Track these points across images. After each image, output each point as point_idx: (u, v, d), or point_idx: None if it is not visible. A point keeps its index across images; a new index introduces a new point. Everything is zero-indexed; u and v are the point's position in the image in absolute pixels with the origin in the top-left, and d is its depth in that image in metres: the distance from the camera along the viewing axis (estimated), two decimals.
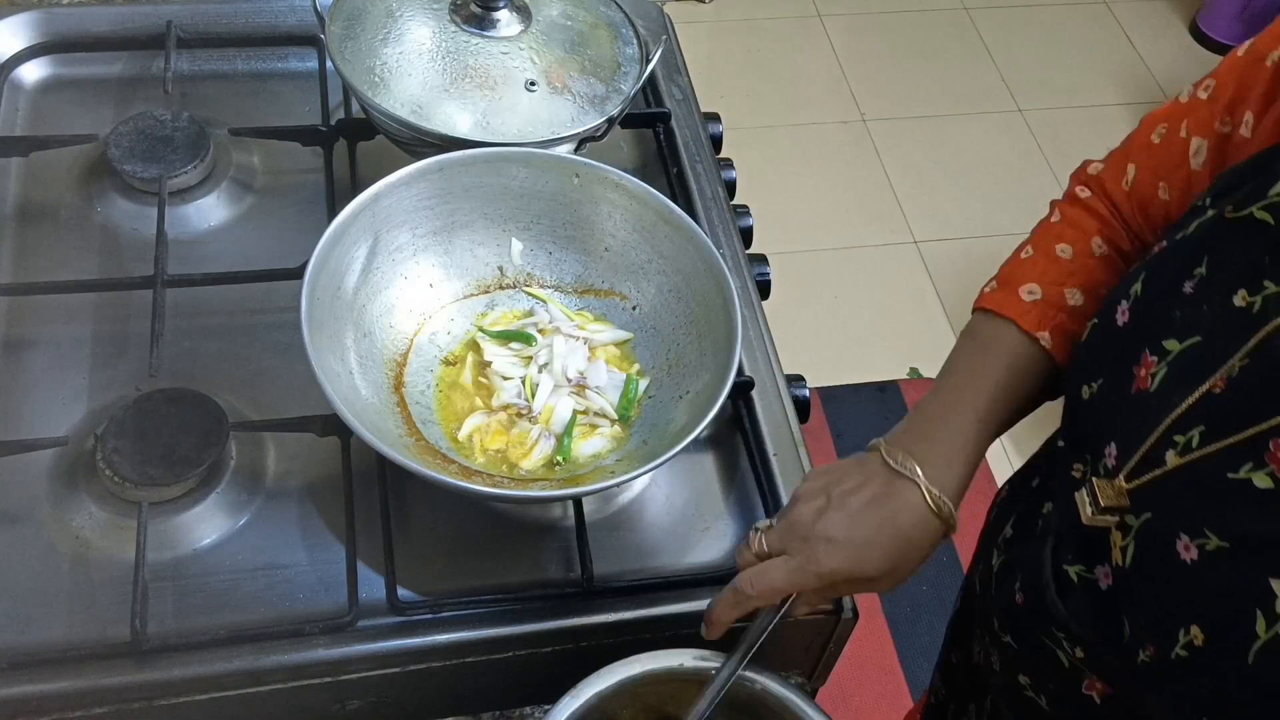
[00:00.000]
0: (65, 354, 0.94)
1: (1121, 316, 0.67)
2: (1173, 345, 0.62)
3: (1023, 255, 0.80)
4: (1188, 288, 0.62)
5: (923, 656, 1.91)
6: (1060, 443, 0.73)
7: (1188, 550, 0.57)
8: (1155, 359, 0.63)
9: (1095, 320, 0.70)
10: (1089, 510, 0.64)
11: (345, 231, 0.89)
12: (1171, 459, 0.59)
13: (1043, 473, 0.80)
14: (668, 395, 0.92)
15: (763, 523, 0.77)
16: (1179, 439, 0.59)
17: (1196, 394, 0.59)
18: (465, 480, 0.83)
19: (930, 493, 0.72)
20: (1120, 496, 0.63)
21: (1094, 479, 0.65)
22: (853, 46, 2.91)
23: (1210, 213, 0.63)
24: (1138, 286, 0.67)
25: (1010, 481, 0.89)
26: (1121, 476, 0.63)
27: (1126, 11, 3.11)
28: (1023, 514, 0.78)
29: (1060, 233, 0.79)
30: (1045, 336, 0.75)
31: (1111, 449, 0.65)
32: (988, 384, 0.75)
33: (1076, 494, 0.66)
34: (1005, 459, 2.16)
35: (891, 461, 0.73)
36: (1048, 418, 0.80)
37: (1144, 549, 0.60)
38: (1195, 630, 0.56)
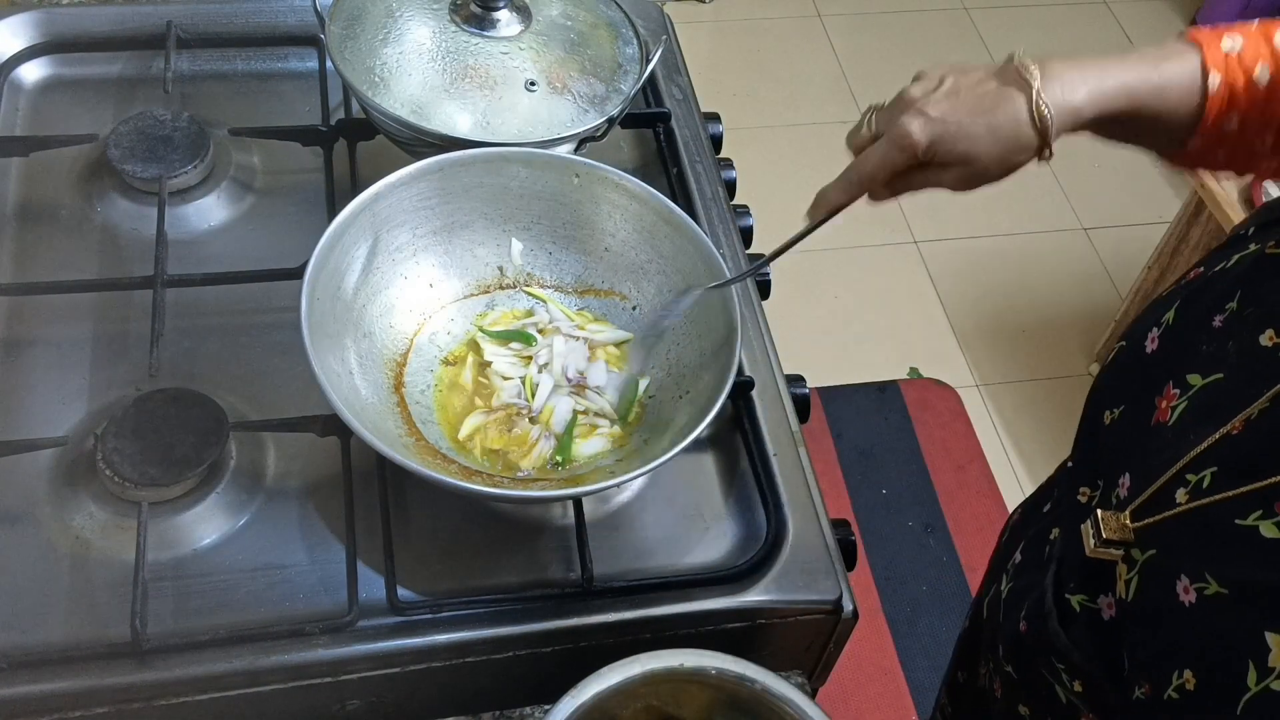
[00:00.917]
0: (65, 354, 0.94)
1: (1151, 344, 0.66)
2: (1195, 380, 0.61)
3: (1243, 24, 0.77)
4: (1217, 321, 0.61)
5: (923, 657, 1.92)
6: (1069, 464, 0.72)
7: (1187, 593, 0.56)
8: (1178, 392, 0.62)
9: (1124, 343, 0.69)
10: (1092, 542, 0.63)
11: (345, 232, 0.89)
12: (1182, 498, 0.58)
13: (1053, 498, 0.79)
14: (668, 395, 0.92)
15: (878, 103, 0.77)
16: (1191, 478, 0.58)
17: (1215, 436, 0.57)
18: (465, 480, 0.83)
19: (1040, 99, 0.70)
20: (1124, 531, 0.62)
21: (1099, 510, 0.64)
22: (853, 46, 2.91)
23: (1253, 246, 0.62)
24: (1170, 315, 0.66)
25: (1022, 506, 0.88)
26: (1129, 512, 0.62)
27: (1126, 11, 3.11)
28: (1032, 539, 0.78)
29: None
30: (1215, 79, 0.72)
31: (1125, 480, 0.64)
32: (1145, 70, 0.73)
33: (1082, 525, 0.65)
34: (1017, 485, 2.16)
35: (1019, 65, 0.72)
36: (1062, 445, 0.79)
37: (1146, 585, 0.60)
38: (1188, 674, 0.55)
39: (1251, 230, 0.64)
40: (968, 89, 0.72)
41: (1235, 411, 0.57)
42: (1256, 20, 0.76)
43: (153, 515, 0.84)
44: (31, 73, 1.13)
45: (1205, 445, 0.58)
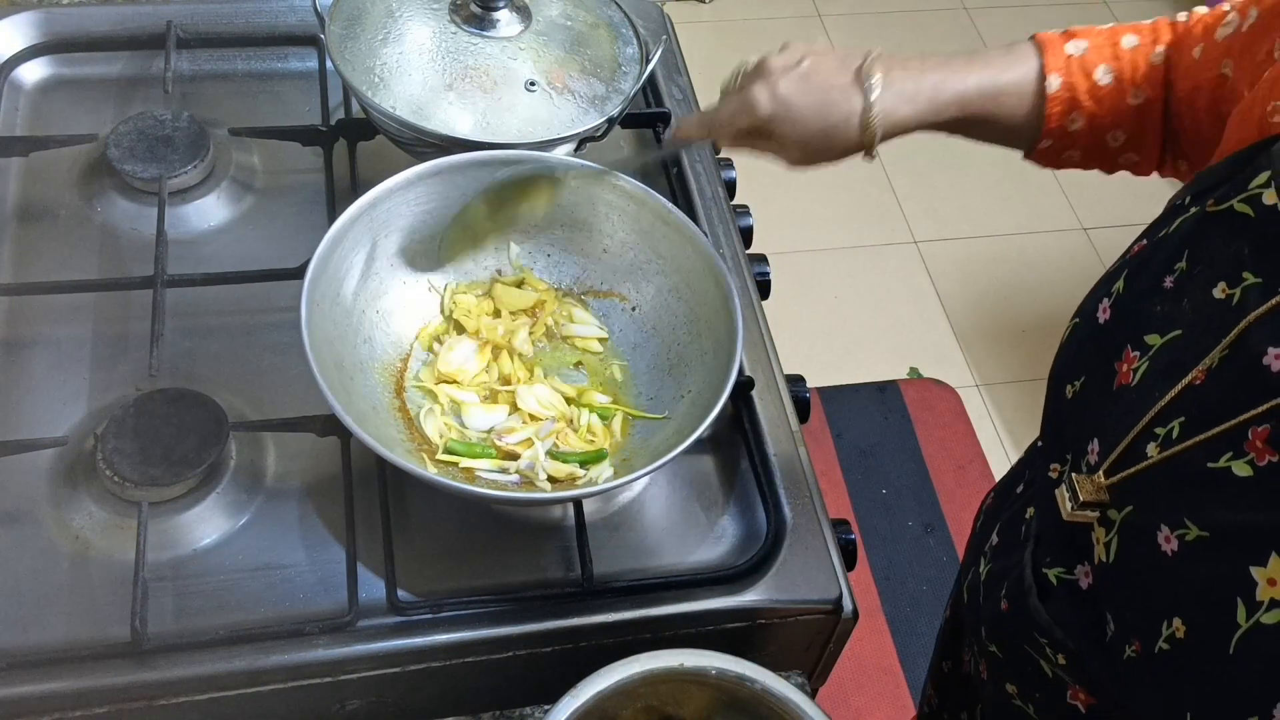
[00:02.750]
0: (65, 354, 0.94)
1: (1103, 314, 0.67)
2: (1154, 340, 0.62)
3: (1097, 27, 0.84)
4: (1168, 283, 0.63)
5: (922, 657, 1.91)
6: (1039, 443, 0.73)
7: (1168, 541, 0.57)
8: (1137, 354, 0.63)
9: (1077, 320, 0.71)
10: (1069, 506, 0.65)
11: (344, 236, 0.89)
12: (1152, 451, 0.59)
13: (1025, 479, 0.80)
14: (668, 395, 0.92)
15: (754, 58, 0.82)
16: (1159, 431, 0.59)
17: (1177, 387, 0.59)
18: (466, 483, 0.83)
19: (870, 114, 0.77)
20: (1100, 491, 0.63)
21: (1073, 474, 0.65)
22: (852, 46, 2.91)
23: (1193, 209, 0.64)
24: (1120, 284, 0.67)
25: (994, 490, 0.89)
26: (1101, 472, 0.63)
27: (1126, 11, 3.11)
28: (1007, 521, 0.78)
29: (1137, 27, 0.81)
30: (1055, 81, 0.79)
31: (1094, 445, 0.65)
32: (986, 77, 0.80)
33: (1056, 491, 0.66)
34: (1008, 464, 2.16)
35: (865, 70, 0.78)
36: None
37: (1126, 543, 0.61)
38: (1177, 622, 0.56)
39: (1188, 199, 0.65)
40: (818, 78, 0.78)
41: (1195, 363, 0.58)
42: (1110, 24, 0.81)
43: (153, 515, 0.84)
44: (31, 72, 1.13)
45: (1169, 397, 0.59)
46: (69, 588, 0.82)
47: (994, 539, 0.79)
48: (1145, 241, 0.68)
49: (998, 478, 2.27)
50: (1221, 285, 0.59)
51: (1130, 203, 2.65)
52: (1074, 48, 0.80)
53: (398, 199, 0.92)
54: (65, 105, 1.12)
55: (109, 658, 0.78)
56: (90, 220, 1.03)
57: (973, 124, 0.81)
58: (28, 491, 0.86)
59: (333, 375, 0.82)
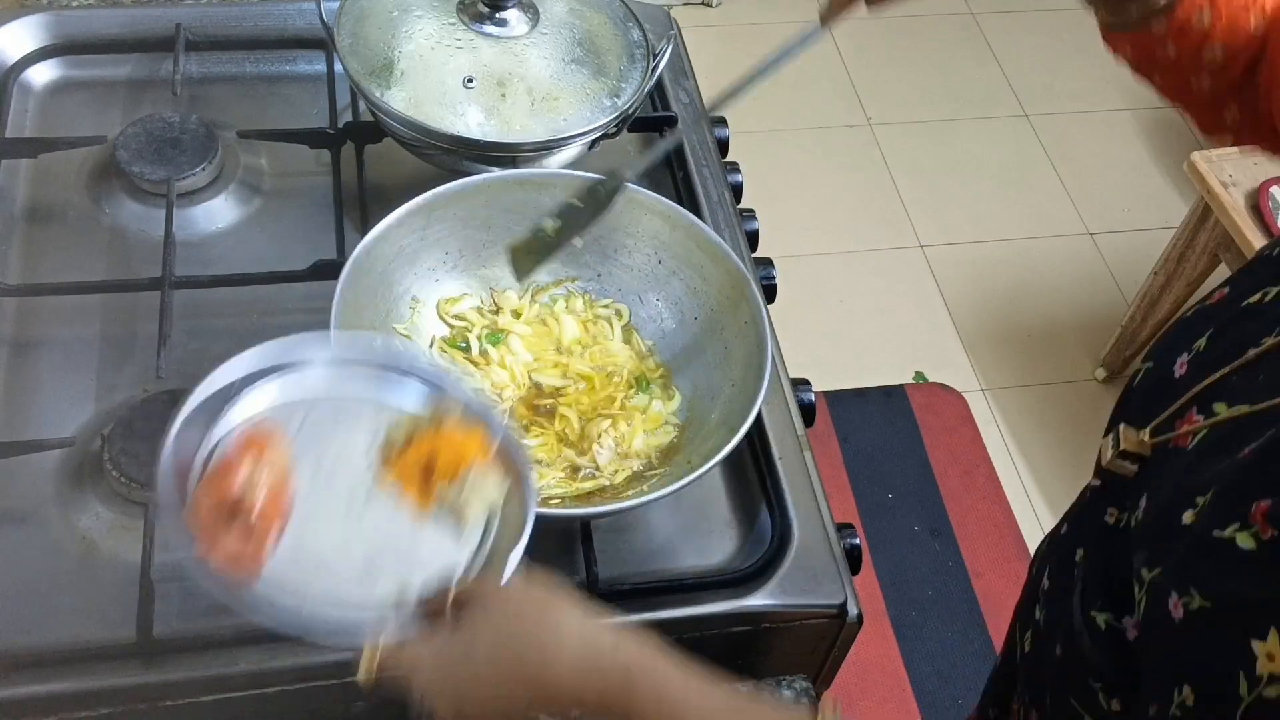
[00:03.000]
0: (73, 355, 0.95)
1: (1180, 369, 0.66)
2: (1221, 409, 0.61)
3: None
4: (1251, 354, 0.62)
5: (927, 661, 1.91)
6: (1096, 481, 0.72)
7: (1176, 608, 0.57)
8: (1201, 418, 0.62)
9: (1150, 364, 0.70)
10: (1110, 454, 0.65)
11: (390, 233, 0.89)
12: (1188, 518, 0.59)
13: (1072, 519, 0.80)
14: (696, 413, 0.92)
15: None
16: (1200, 500, 0.59)
17: (1225, 462, 0.58)
18: None
19: None
20: (1142, 446, 0.63)
21: (1121, 426, 0.65)
22: (859, 50, 2.91)
23: None
24: (1202, 343, 0.66)
25: (1048, 537, 0.88)
26: (1149, 429, 0.64)
27: None
28: (1056, 564, 0.78)
29: None
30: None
31: (1143, 503, 0.64)
32: None
33: (1102, 440, 0.66)
34: (1023, 490, 2.16)
35: None
36: (1068, 450, 0.79)
37: (1150, 603, 0.60)
38: (1188, 690, 0.55)
39: (1277, 251, 0.65)
40: None
41: (1250, 442, 0.57)
42: None
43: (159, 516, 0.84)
44: (41, 75, 1.13)
45: (1216, 470, 0.58)
46: (75, 588, 0.82)
47: (1045, 584, 0.78)
48: (1228, 292, 0.67)
49: (1004, 482, 2.26)
50: None
51: (1136, 208, 2.64)
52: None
53: (441, 213, 0.92)
54: (74, 107, 1.12)
55: (115, 658, 0.78)
56: (98, 222, 1.04)
57: None
58: (35, 492, 0.86)
59: None
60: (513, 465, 0.71)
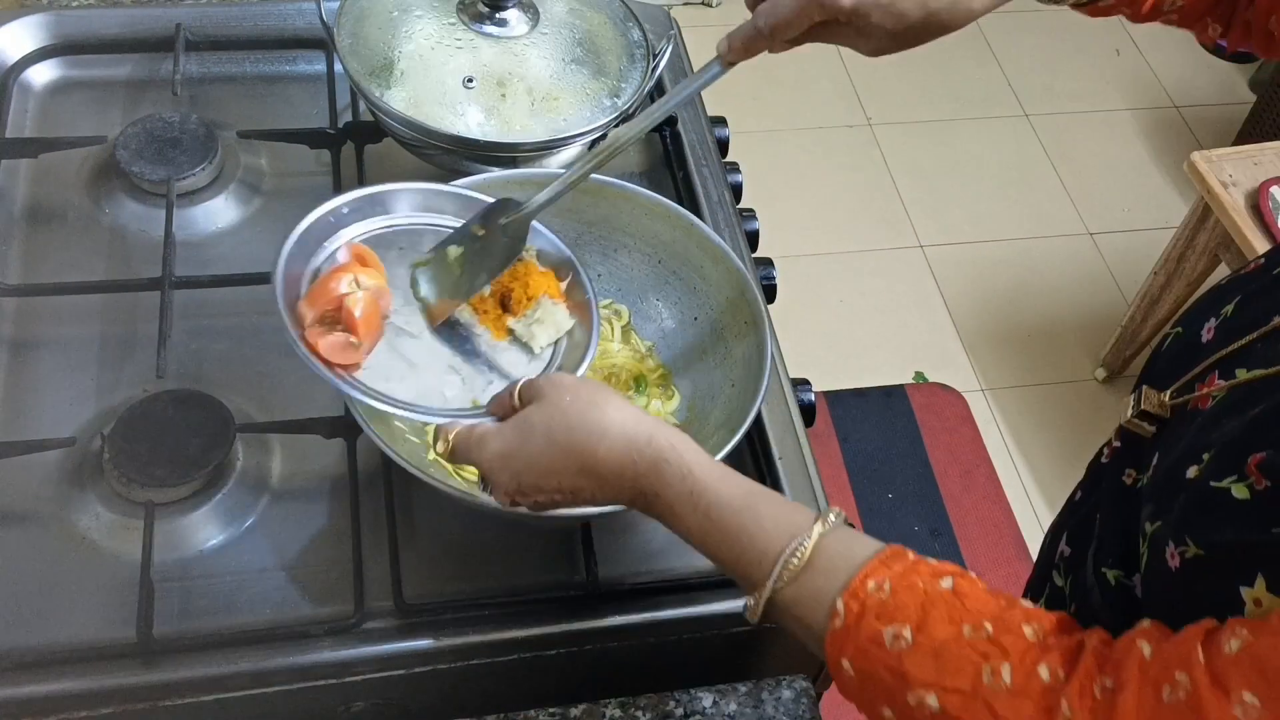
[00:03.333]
0: (73, 355, 0.95)
1: (1207, 334, 0.67)
2: (1242, 373, 0.62)
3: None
4: (1276, 321, 0.62)
5: None
6: (1116, 443, 0.72)
7: (1173, 558, 0.58)
8: (1223, 382, 0.63)
9: (1178, 329, 0.70)
10: (1129, 413, 0.67)
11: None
12: (1192, 473, 0.59)
13: (1087, 487, 0.80)
14: (696, 412, 0.92)
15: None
16: (1206, 457, 0.59)
17: (1235, 422, 0.59)
18: (476, 494, 0.83)
19: None
20: (1162, 408, 0.65)
21: (1144, 387, 0.67)
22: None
23: None
24: (1229, 308, 0.67)
25: (1065, 504, 0.89)
26: (1170, 391, 0.65)
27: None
28: (1075, 529, 0.78)
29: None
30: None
31: (1155, 461, 0.65)
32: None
33: (1123, 400, 0.68)
34: (1023, 490, 2.16)
35: None
36: (1068, 449, 0.80)
37: (1151, 556, 0.61)
38: None
39: None
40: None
41: (1261, 404, 0.58)
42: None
43: (159, 516, 0.84)
44: (41, 75, 1.13)
45: (1225, 429, 0.59)
46: (75, 588, 0.82)
47: (1064, 549, 0.79)
48: (1264, 262, 0.67)
49: (1004, 482, 2.25)
50: None
51: (1136, 208, 2.64)
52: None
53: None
54: (74, 107, 1.12)
55: (115, 658, 0.78)
56: (99, 222, 1.04)
57: None
58: (35, 492, 0.86)
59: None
60: (582, 300, 0.83)
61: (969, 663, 0.54)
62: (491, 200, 0.85)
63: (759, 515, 0.62)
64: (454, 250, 0.82)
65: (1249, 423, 0.58)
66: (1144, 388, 0.67)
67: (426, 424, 0.74)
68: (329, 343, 0.74)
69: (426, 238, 0.85)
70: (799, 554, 0.59)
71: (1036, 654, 0.54)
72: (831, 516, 0.61)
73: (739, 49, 0.74)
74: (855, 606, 0.57)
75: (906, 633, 0.55)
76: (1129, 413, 0.67)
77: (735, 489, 0.63)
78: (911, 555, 0.59)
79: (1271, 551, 0.52)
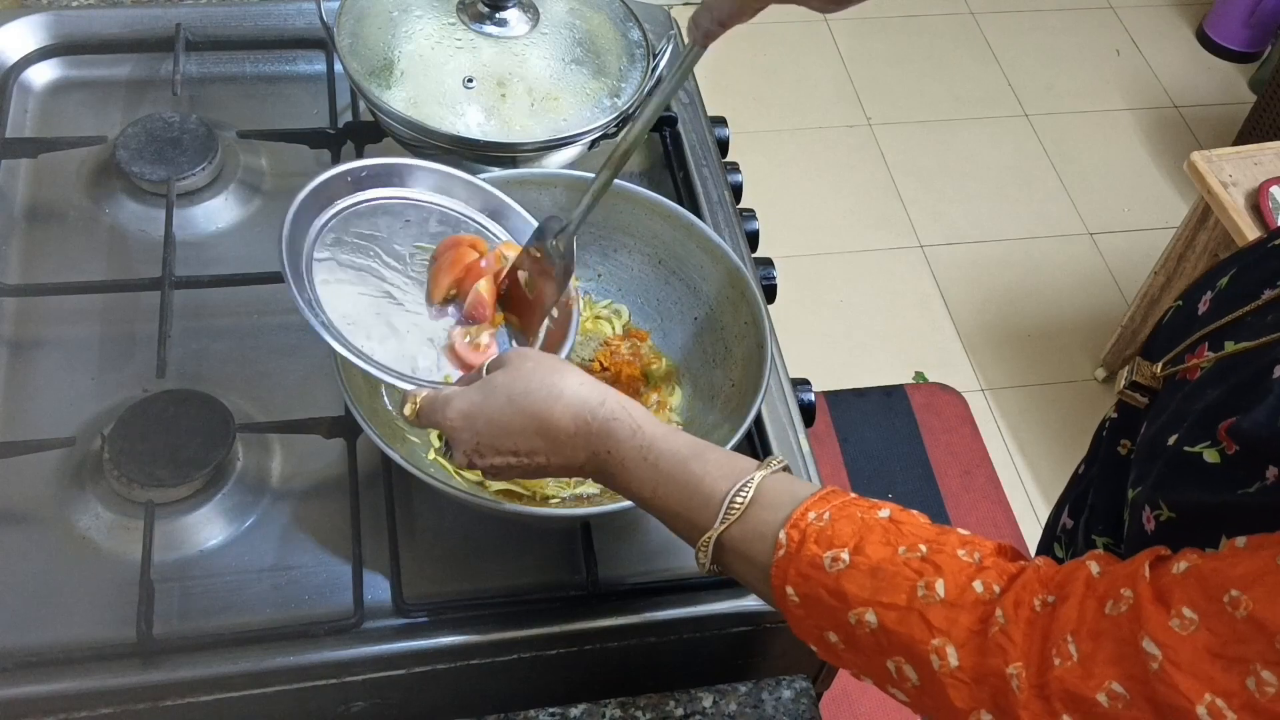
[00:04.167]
0: (73, 355, 0.95)
1: (1203, 306, 0.68)
2: (1230, 345, 0.63)
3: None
4: (1266, 294, 0.63)
5: None
6: (1114, 415, 0.73)
7: (1149, 522, 0.59)
8: (1211, 354, 0.64)
9: (1180, 303, 0.72)
10: (1122, 383, 0.69)
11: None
12: (1171, 440, 0.61)
13: (1089, 461, 0.81)
14: (696, 413, 0.92)
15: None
16: (1186, 425, 0.61)
17: (1217, 392, 0.60)
18: (474, 493, 0.83)
19: None
20: (1154, 380, 0.67)
21: (1138, 359, 0.69)
22: (859, 51, 2.91)
23: None
24: (1225, 280, 0.68)
25: (1070, 479, 0.90)
26: (1162, 363, 0.67)
27: (1133, 17, 3.11)
28: (1075, 502, 0.79)
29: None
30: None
31: (1143, 429, 0.66)
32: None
33: (1117, 373, 0.69)
34: (1023, 490, 2.16)
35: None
36: (1068, 450, 0.80)
37: (1130, 521, 0.63)
38: None
39: None
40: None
41: (1243, 375, 0.59)
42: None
43: (159, 516, 0.84)
44: (41, 75, 1.13)
45: (1208, 399, 0.60)
46: (75, 588, 0.82)
47: (1067, 522, 0.79)
48: (1264, 238, 0.68)
49: (1004, 482, 2.25)
50: None
51: (1136, 208, 2.64)
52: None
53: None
54: (74, 107, 1.12)
55: (115, 658, 0.78)
56: (98, 222, 1.04)
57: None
58: (35, 492, 0.86)
59: (349, 369, 0.82)
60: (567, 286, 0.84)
61: (904, 579, 0.56)
62: (502, 195, 0.89)
63: (706, 462, 0.65)
64: (523, 276, 0.84)
65: (1226, 391, 0.59)
66: (1138, 360, 0.68)
67: (394, 386, 0.76)
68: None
69: (434, 218, 0.87)
70: (744, 493, 0.62)
71: (972, 572, 0.55)
72: (774, 462, 0.64)
73: (708, 38, 0.77)
74: (796, 535, 0.59)
75: (845, 555, 0.57)
76: (1121, 383, 0.69)
77: (683, 442, 0.66)
78: (851, 494, 0.62)
79: (1236, 514, 0.53)
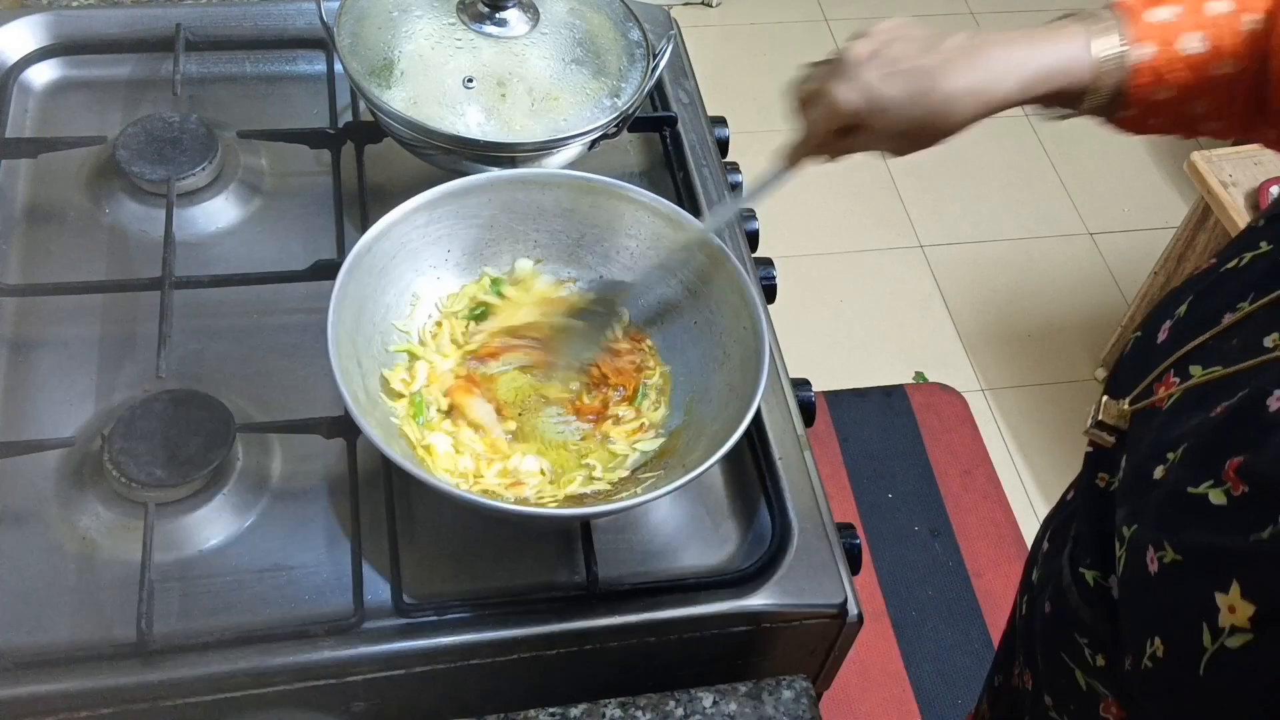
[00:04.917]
0: (73, 355, 0.95)
1: (1162, 334, 0.68)
2: (1197, 371, 0.63)
3: None
4: (1227, 319, 0.63)
5: (928, 661, 1.91)
6: (1090, 447, 0.73)
7: (1153, 562, 0.58)
8: (1177, 380, 0.64)
9: (1139, 334, 0.71)
10: (1089, 422, 0.69)
11: (389, 231, 0.89)
12: (1159, 474, 0.60)
13: (1076, 488, 0.81)
14: (695, 414, 0.92)
15: (824, 59, 0.77)
16: (1171, 456, 0.60)
17: (1198, 419, 0.59)
18: (477, 495, 0.83)
19: (966, 92, 0.75)
20: (1121, 418, 0.67)
21: (1104, 398, 0.69)
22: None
23: (1264, 245, 0.64)
24: (1183, 309, 0.68)
25: (1056, 503, 0.90)
26: (1128, 400, 0.67)
27: None
28: (1056, 528, 0.79)
29: None
30: (1145, 50, 0.73)
31: (1123, 464, 0.65)
32: (1073, 49, 0.75)
33: (1089, 409, 0.69)
34: (1023, 490, 2.16)
35: (958, 50, 0.76)
36: (1068, 449, 0.81)
37: (1130, 558, 0.61)
38: (1158, 641, 0.57)
39: (1262, 222, 0.65)
40: (905, 64, 0.75)
41: (1222, 401, 0.59)
42: None
43: (159, 516, 0.84)
44: (40, 74, 1.13)
45: (1188, 427, 0.60)
46: (75, 588, 0.82)
47: (1045, 545, 0.79)
48: (1215, 263, 0.68)
49: (1004, 482, 2.26)
50: (1274, 335, 0.59)
51: (1136, 208, 2.64)
52: (1161, 14, 0.74)
53: (435, 211, 0.92)
54: (74, 107, 1.12)
55: (115, 658, 0.78)
56: (99, 222, 1.04)
57: (1054, 97, 0.77)
58: (35, 492, 0.86)
59: (351, 370, 0.82)
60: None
61: None
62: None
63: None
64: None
65: (1215, 424, 0.58)
66: (1104, 399, 0.68)
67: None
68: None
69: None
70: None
71: None
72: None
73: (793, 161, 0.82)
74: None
75: None
76: (1089, 423, 0.69)
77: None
78: None
79: (1247, 558, 0.52)
